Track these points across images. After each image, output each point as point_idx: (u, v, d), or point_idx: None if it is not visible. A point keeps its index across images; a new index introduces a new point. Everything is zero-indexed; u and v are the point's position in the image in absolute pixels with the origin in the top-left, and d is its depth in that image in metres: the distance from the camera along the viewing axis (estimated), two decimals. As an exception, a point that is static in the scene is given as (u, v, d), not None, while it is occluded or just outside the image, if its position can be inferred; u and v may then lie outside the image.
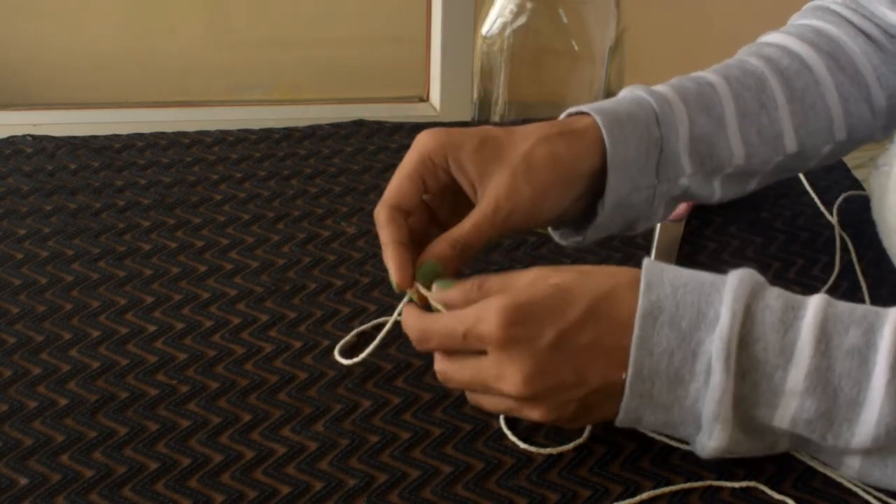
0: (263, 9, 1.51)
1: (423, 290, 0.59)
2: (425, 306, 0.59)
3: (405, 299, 0.60)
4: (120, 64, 1.48)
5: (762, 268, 0.75)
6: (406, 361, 0.65)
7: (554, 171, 0.61)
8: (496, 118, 1.04)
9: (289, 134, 0.93)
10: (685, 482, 0.57)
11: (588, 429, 0.60)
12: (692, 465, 0.58)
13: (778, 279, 0.74)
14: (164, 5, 1.47)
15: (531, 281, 0.55)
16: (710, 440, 0.54)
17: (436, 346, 0.57)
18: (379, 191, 0.84)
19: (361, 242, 0.78)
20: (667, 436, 0.59)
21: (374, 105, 1.40)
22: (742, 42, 0.76)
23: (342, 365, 0.65)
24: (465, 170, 0.62)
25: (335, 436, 0.60)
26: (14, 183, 0.84)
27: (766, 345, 0.52)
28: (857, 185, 0.86)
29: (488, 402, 0.57)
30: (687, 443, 0.57)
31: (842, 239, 0.79)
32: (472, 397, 0.59)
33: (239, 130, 0.93)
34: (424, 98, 1.42)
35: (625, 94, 0.68)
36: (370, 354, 0.64)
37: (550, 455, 0.59)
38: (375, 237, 0.77)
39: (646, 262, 0.55)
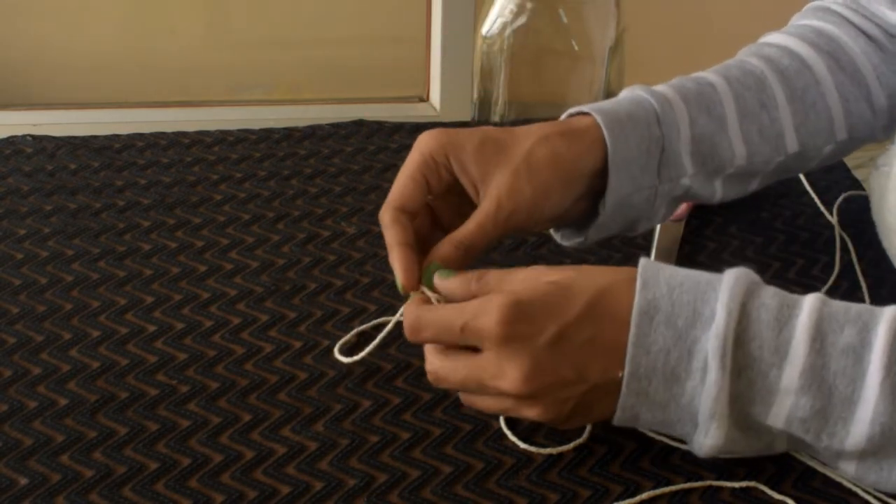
0: (263, 9, 1.51)
1: (429, 293, 0.59)
2: None
3: (405, 304, 0.60)
4: (120, 64, 1.48)
5: (762, 268, 0.75)
6: (406, 361, 0.65)
7: (555, 170, 0.62)
8: (496, 118, 1.04)
9: (289, 134, 0.93)
10: (685, 482, 0.57)
11: (588, 429, 0.60)
12: (692, 465, 0.58)
13: (778, 279, 0.74)
14: (164, 5, 1.47)
15: (530, 278, 0.55)
16: (706, 438, 0.54)
17: (430, 337, 0.56)
18: (379, 191, 0.84)
19: (361, 242, 0.78)
20: (666, 436, 0.59)
21: (374, 105, 1.40)
22: (742, 42, 0.76)
23: (342, 365, 0.65)
24: (466, 170, 0.62)
25: (335, 436, 0.60)
26: (14, 183, 0.84)
27: (761, 343, 0.52)
28: (857, 185, 0.86)
29: (484, 403, 0.57)
30: (684, 442, 0.57)
31: (842, 239, 0.79)
32: (467, 398, 0.58)
33: (239, 130, 0.93)
34: (424, 98, 1.42)
35: (625, 94, 0.68)
36: (370, 354, 0.64)
37: (550, 455, 0.59)
38: (375, 237, 0.78)
39: (642, 261, 0.55)
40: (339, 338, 0.67)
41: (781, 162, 0.70)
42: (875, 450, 0.52)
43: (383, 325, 0.67)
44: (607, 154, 0.63)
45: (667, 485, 0.57)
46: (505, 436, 0.60)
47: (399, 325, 0.62)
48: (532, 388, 0.53)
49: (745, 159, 0.68)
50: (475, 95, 1.07)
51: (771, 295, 0.53)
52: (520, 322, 0.53)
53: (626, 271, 0.55)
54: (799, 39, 0.73)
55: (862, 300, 0.72)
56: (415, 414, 0.62)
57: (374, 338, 0.64)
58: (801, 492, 0.57)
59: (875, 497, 0.56)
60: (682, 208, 0.79)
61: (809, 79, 0.71)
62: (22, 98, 1.44)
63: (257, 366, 0.65)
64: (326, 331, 0.68)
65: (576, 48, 1.01)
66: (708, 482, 0.57)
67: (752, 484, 0.57)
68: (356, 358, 0.64)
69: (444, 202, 0.64)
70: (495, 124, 1.03)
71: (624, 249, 0.77)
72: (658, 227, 0.78)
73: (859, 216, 0.81)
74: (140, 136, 0.92)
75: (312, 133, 0.93)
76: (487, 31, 1.01)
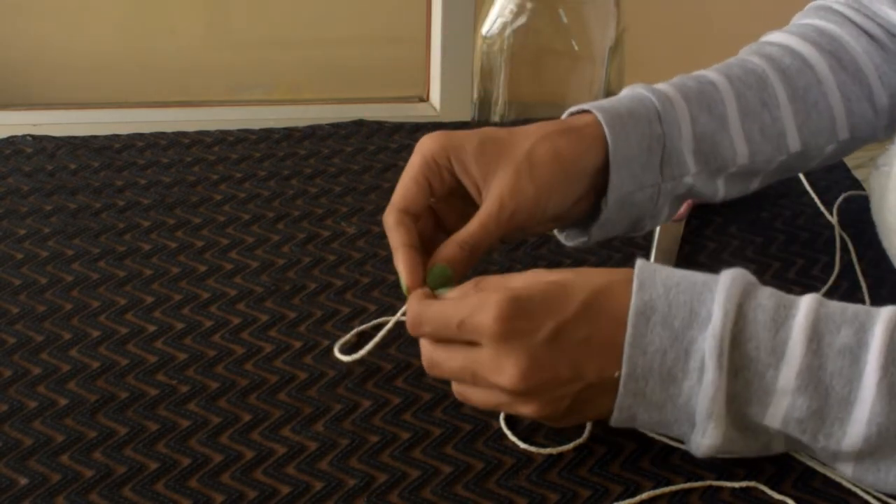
0: (263, 9, 1.51)
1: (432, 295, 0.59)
2: None
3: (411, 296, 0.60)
4: (120, 64, 1.48)
5: (762, 268, 0.75)
6: (406, 361, 0.65)
7: (557, 168, 0.62)
8: (496, 118, 1.04)
9: (289, 134, 0.93)
10: (685, 482, 0.57)
11: (588, 429, 0.60)
12: (692, 465, 0.58)
13: (778, 279, 0.74)
14: (164, 5, 1.47)
15: (528, 277, 0.56)
16: (704, 438, 0.54)
17: (429, 333, 0.56)
18: (379, 191, 0.84)
19: (361, 242, 0.78)
20: (666, 436, 0.59)
21: (374, 105, 1.40)
22: (742, 42, 0.76)
23: (342, 365, 0.65)
24: (468, 170, 0.62)
25: (335, 436, 0.60)
26: (14, 183, 0.84)
27: (757, 343, 0.52)
28: (857, 185, 0.86)
29: (478, 396, 0.57)
30: (683, 442, 0.57)
31: (842, 239, 0.79)
32: (460, 390, 0.58)
33: (239, 130, 0.93)
34: (424, 98, 1.42)
35: (626, 92, 0.68)
36: (370, 354, 0.64)
37: (550, 455, 0.59)
38: (375, 237, 0.78)
39: (639, 262, 0.55)
40: (340, 338, 0.67)
41: (783, 161, 0.70)
42: (872, 450, 0.52)
43: (384, 325, 0.67)
44: (608, 151, 0.63)
45: (667, 485, 0.57)
46: (505, 436, 0.60)
47: (399, 324, 0.62)
48: (528, 384, 0.53)
49: (748, 158, 0.68)
50: (475, 95, 1.07)
51: (767, 296, 0.53)
52: (517, 318, 0.53)
53: (624, 272, 0.55)
54: (800, 39, 0.73)
55: (862, 300, 0.72)
56: (415, 414, 0.62)
57: (373, 337, 0.64)
58: (801, 492, 0.57)
59: (874, 497, 0.56)
60: (683, 208, 0.79)
61: (811, 78, 0.71)
62: (22, 98, 1.44)
63: (257, 366, 0.65)
64: (326, 331, 0.68)
65: (576, 48, 1.01)
66: (708, 482, 0.57)
67: (752, 484, 0.57)
68: (356, 356, 0.64)
69: (448, 205, 0.64)
70: (495, 124, 1.03)
71: (624, 249, 0.77)
72: (658, 227, 0.78)
73: (859, 216, 0.81)
74: (140, 136, 0.92)
75: (312, 133, 0.93)
76: (487, 31, 1.01)
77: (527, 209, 0.61)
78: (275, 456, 0.59)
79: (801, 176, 0.86)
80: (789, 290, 0.54)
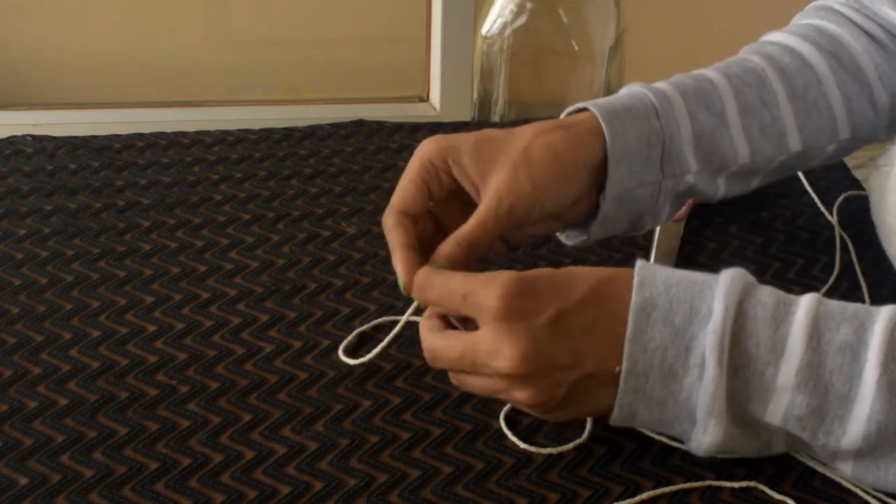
0: (263, 9, 1.51)
1: None
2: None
3: (414, 304, 0.60)
4: (120, 64, 1.48)
5: (762, 268, 0.75)
6: (406, 361, 0.65)
7: (553, 163, 0.62)
8: (496, 118, 1.04)
9: (289, 134, 0.93)
10: (685, 482, 0.57)
11: (588, 429, 0.60)
12: (692, 465, 0.58)
13: (778, 279, 0.74)
14: (164, 5, 1.47)
15: (534, 269, 0.56)
16: (705, 435, 0.54)
17: (433, 298, 0.57)
18: (379, 191, 0.84)
19: (361, 242, 0.78)
20: (666, 435, 0.59)
21: (374, 105, 1.40)
22: (742, 42, 0.76)
23: (342, 365, 0.65)
24: (465, 170, 0.62)
25: (335, 436, 0.60)
26: (14, 183, 0.84)
27: (757, 340, 0.52)
28: (857, 185, 0.86)
29: (475, 383, 0.57)
30: (683, 442, 0.57)
31: (842, 239, 0.79)
32: (458, 378, 0.58)
33: (239, 130, 0.93)
34: (424, 98, 1.42)
35: (623, 91, 0.68)
36: (376, 356, 0.64)
37: (550, 455, 0.59)
38: (375, 237, 0.78)
39: (639, 262, 0.55)
40: (340, 338, 0.67)
41: (784, 161, 0.70)
42: (871, 448, 0.52)
43: (384, 325, 0.67)
44: (607, 147, 0.63)
45: (667, 485, 0.57)
46: (505, 436, 0.60)
47: (403, 327, 0.62)
48: (527, 368, 0.53)
49: (749, 157, 0.68)
50: (475, 95, 1.07)
51: (767, 294, 0.53)
52: (522, 297, 0.53)
53: (627, 269, 0.55)
54: (800, 38, 0.73)
55: (862, 300, 0.72)
56: (415, 414, 0.62)
57: (374, 338, 0.64)
58: (801, 492, 0.57)
59: (874, 497, 0.56)
60: (683, 208, 0.79)
61: (811, 77, 0.71)
62: (22, 98, 1.44)
63: (257, 366, 0.65)
64: (326, 331, 0.68)
65: (576, 48, 1.01)
66: (708, 482, 0.57)
67: (752, 484, 0.57)
68: (364, 360, 0.64)
69: (448, 208, 0.64)
70: (495, 124, 1.03)
71: (624, 249, 0.77)
72: (658, 226, 0.78)
73: (859, 216, 0.81)
74: (140, 136, 0.92)
75: (312, 133, 0.93)
76: (487, 31, 1.01)
77: (525, 205, 0.61)
78: (275, 456, 0.59)
79: (801, 176, 0.86)
80: (789, 290, 0.54)
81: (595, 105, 0.64)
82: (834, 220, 0.81)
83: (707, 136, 0.66)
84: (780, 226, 0.81)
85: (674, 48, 1.52)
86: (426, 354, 0.58)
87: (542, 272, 0.55)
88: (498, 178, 0.61)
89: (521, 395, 0.55)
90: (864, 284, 0.74)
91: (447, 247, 0.60)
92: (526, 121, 0.64)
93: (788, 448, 0.56)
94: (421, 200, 0.62)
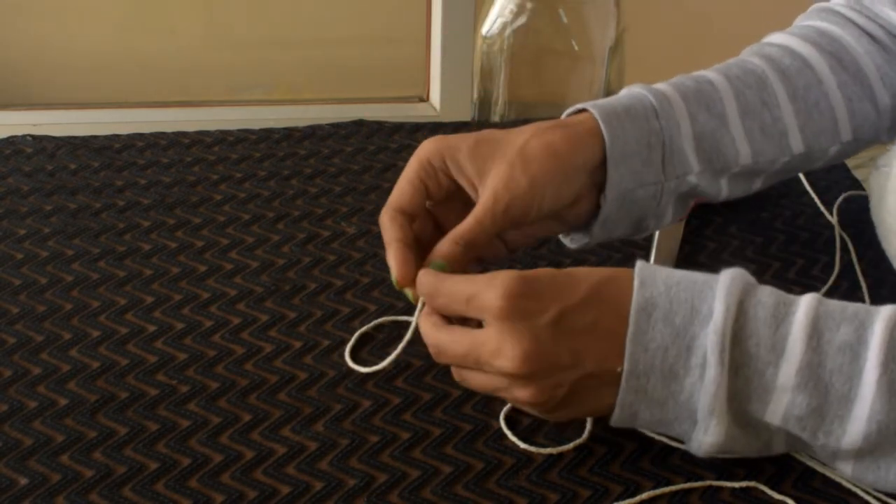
0: (263, 9, 1.51)
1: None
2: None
3: (419, 307, 0.60)
4: (120, 64, 1.48)
5: (762, 268, 0.75)
6: (406, 361, 0.65)
7: (550, 160, 0.62)
8: (496, 118, 1.04)
9: (289, 134, 0.93)
10: (685, 482, 0.57)
11: (588, 429, 0.60)
12: (692, 465, 0.58)
13: (778, 279, 0.74)
14: (164, 5, 1.47)
15: (535, 269, 0.56)
16: (706, 435, 0.54)
17: (442, 305, 0.57)
18: (379, 191, 0.84)
19: (361, 242, 0.78)
20: (666, 436, 0.59)
21: (374, 105, 1.40)
22: (743, 42, 0.76)
23: (342, 365, 0.65)
24: (463, 169, 0.62)
25: (335, 436, 0.60)
26: (14, 183, 0.84)
27: (758, 340, 0.52)
28: (857, 185, 0.86)
29: (476, 380, 0.57)
30: (683, 442, 0.57)
31: (842, 239, 0.79)
32: (460, 374, 0.58)
33: (239, 130, 0.93)
34: (424, 98, 1.42)
35: (623, 92, 0.68)
36: (370, 353, 0.64)
37: (550, 455, 0.59)
38: (375, 237, 0.78)
39: (639, 262, 0.55)
40: (340, 338, 0.67)
41: (787, 162, 0.70)
42: (872, 448, 0.52)
43: (384, 325, 0.67)
44: (606, 148, 0.63)
45: (667, 485, 0.57)
46: (505, 436, 0.60)
47: (397, 325, 0.62)
48: (529, 368, 0.53)
49: (751, 158, 0.68)
50: (475, 95, 1.07)
51: (768, 293, 0.53)
52: (524, 297, 0.53)
53: (628, 269, 0.55)
54: (801, 39, 0.73)
55: (862, 300, 0.72)
56: (415, 414, 0.62)
57: (374, 338, 0.64)
58: (801, 492, 0.57)
59: (874, 497, 0.56)
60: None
61: (811, 78, 0.71)
62: (22, 98, 1.44)
63: (257, 366, 0.65)
64: (326, 331, 0.68)
65: (576, 48, 1.01)
66: (708, 482, 0.57)
67: (752, 484, 0.57)
68: (377, 368, 0.63)
69: (447, 209, 0.64)
70: (495, 124, 1.03)
71: (624, 250, 0.77)
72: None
73: (859, 216, 0.81)
74: (140, 136, 0.92)
75: (312, 133, 0.93)
76: (487, 31, 1.01)
77: (521, 203, 0.61)
78: (275, 456, 0.59)
79: (801, 176, 0.86)
80: (789, 290, 0.54)
81: (594, 106, 0.64)
82: (834, 220, 0.81)
83: (708, 136, 0.66)
84: (780, 226, 0.81)
85: (674, 48, 1.52)
86: (431, 350, 0.58)
87: (544, 272, 0.55)
88: (495, 176, 0.61)
89: (522, 395, 0.55)
90: (864, 284, 0.74)
91: (445, 246, 0.60)
92: (526, 121, 0.64)
93: (789, 448, 0.56)
94: (418, 199, 0.62)
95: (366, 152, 0.90)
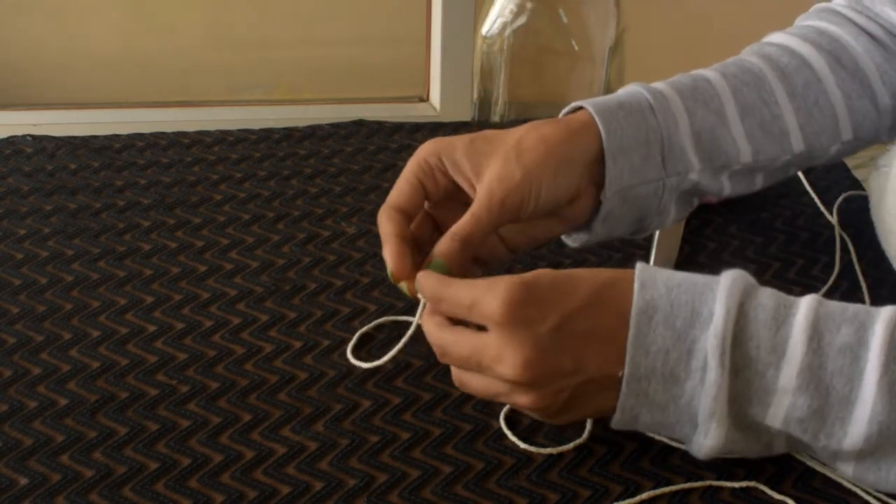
0: (263, 9, 1.51)
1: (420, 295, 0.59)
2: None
3: (420, 307, 0.60)
4: (120, 64, 1.48)
5: (762, 268, 0.75)
6: (406, 361, 0.65)
7: (544, 151, 0.62)
8: (496, 118, 1.04)
9: (289, 134, 0.93)
10: (685, 482, 0.57)
11: (588, 429, 0.60)
12: (692, 465, 0.58)
13: (778, 279, 0.74)
14: (164, 5, 1.47)
15: (535, 271, 0.56)
16: (706, 438, 0.54)
17: (445, 310, 0.57)
18: (379, 191, 0.84)
19: (361, 242, 0.78)
20: (666, 436, 0.59)
21: (374, 105, 1.40)
22: (743, 42, 0.76)
23: (342, 365, 0.65)
24: (460, 167, 0.62)
25: (335, 436, 0.60)
26: (14, 183, 0.84)
27: (758, 342, 0.52)
28: (857, 185, 0.86)
29: (477, 384, 0.57)
30: (684, 443, 0.57)
31: (842, 239, 0.79)
32: (460, 377, 0.58)
33: (239, 130, 0.93)
34: (424, 98, 1.42)
35: (620, 90, 0.68)
36: (370, 353, 0.64)
37: (550, 455, 0.59)
38: (375, 237, 0.77)
39: (639, 265, 0.55)
40: (340, 338, 0.67)
41: (788, 161, 0.70)
42: (873, 449, 0.52)
43: (385, 325, 0.67)
44: (603, 142, 0.63)
45: (667, 485, 0.57)
46: (505, 436, 0.60)
47: (397, 325, 0.62)
48: (530, 375, 0.53)
49: (751, 156, 0.68)
50: (475, 95, 1.07)
51: (768, 296, 0.53)
52: (525, 304, 0.53)
53: (628, 271, 0.55)
54: (800, 39, 0.73)
55: (862, 300, 0.72)
56: (415, 414, 0.62)
57: (374, 338, 0.64)
58: (801, 492, 0.57)
59: (875, 497, 0.56)
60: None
61: (810, 76, 0.71)
62: (22, 98, 1.44)
63: (257, 366, 0.65)
64: (326, 331, 0.68)
65: (576, 48, 1.01)
66: (708, 482, 0.57)
67: (752, 484, 0.57)
68: (377, 363, 0.64)
69: (446, 210, 0.64)
70: (495, 124, 1.03)
71: (624, 249, 0.77)
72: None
73: (859, 216, 0.81)
74: (140, 136, 0.92)
75: (312, 133, 0.93)
76: (487, 31, 1.01)
77: (516, 194, 0.61)
78: (275, 456, 0.59)
79: (801, 176, 0.86)
80: (789, 291, 0.54)
81: (590, 102, 0.65)
82: (834, 220, 0.81)
83: (706, 133, 0.66)
84: (780, 226, 0.81)
85: (674, 48, 1.52)
86: (435, 349, 0.58)
87: (544, 275, 0.55)
88: (490, 171, 0.61)
89: (523, 400, 0.55)
90: (864, 284, 0.74)
91: (443, 244, 0.60)
92: (526, 121, 0.64)
93: (789, 449, 0.56)
94: (416, 198, 0.62)
95: (366, 152, 0.90)
